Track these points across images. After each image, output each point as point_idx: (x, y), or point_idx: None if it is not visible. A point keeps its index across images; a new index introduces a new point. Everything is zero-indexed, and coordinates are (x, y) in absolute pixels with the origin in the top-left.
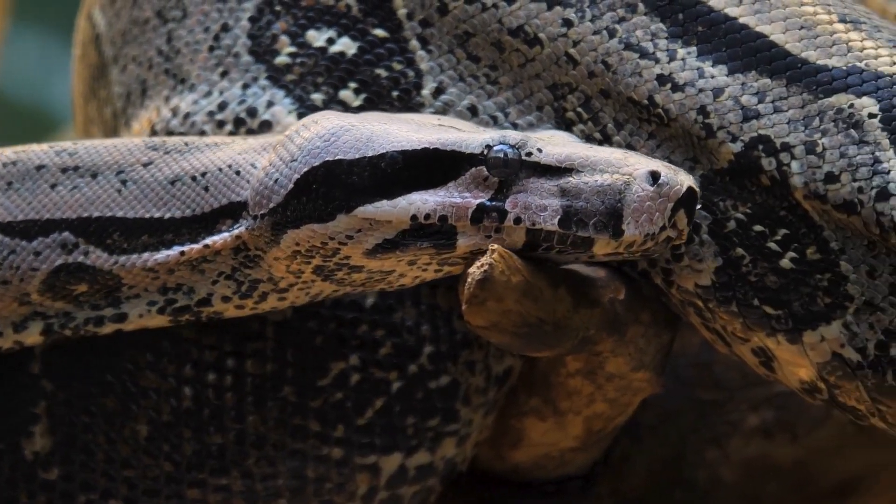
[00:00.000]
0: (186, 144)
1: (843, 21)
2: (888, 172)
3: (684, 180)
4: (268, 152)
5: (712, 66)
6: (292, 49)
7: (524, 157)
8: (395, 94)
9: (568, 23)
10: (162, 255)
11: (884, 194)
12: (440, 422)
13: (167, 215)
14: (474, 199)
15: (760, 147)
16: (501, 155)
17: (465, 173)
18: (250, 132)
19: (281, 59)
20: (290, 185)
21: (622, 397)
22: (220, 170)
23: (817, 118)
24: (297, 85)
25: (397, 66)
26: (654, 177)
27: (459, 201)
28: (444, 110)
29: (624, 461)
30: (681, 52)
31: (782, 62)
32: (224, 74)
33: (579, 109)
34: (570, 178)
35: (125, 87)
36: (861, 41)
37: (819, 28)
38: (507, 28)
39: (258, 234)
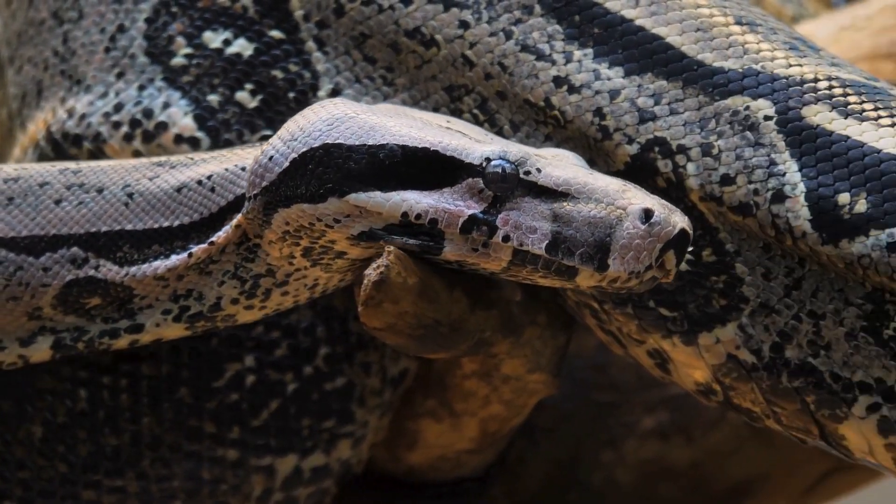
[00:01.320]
0: (192, 158)
1: (739, 23)
2: (784, 174)
3: (677, 222)
4: None
5: (609, 67)
6: (188, 50)
7: (522, 176)
8: (291, 95)
9: (464, 24)
10: (171, 260)
11: (779, 196)
12: (336, 423)
13: (176, 223)
14: (467, 209)
15: (657, 149)
16: (499, 170)
17: (461, 182)
18: (146, 133)
19: (177, 61)
20: (286, 164)
21: (518, 399)
22: (227, 169)
23: (713, 120)
24: (193, 86)
25: (294, 68)
26: (648, 215)
27: (452, 208)
28: None
29: (519, 463)
30: (577, 53)
31: (678, 64)
32: (120, 76)
33: (476, 111)
34: (565, 204)
35: (21, 88)
36: (757, 43)
37: (715, 30)
38: (403, 30)
39: (252, 217)
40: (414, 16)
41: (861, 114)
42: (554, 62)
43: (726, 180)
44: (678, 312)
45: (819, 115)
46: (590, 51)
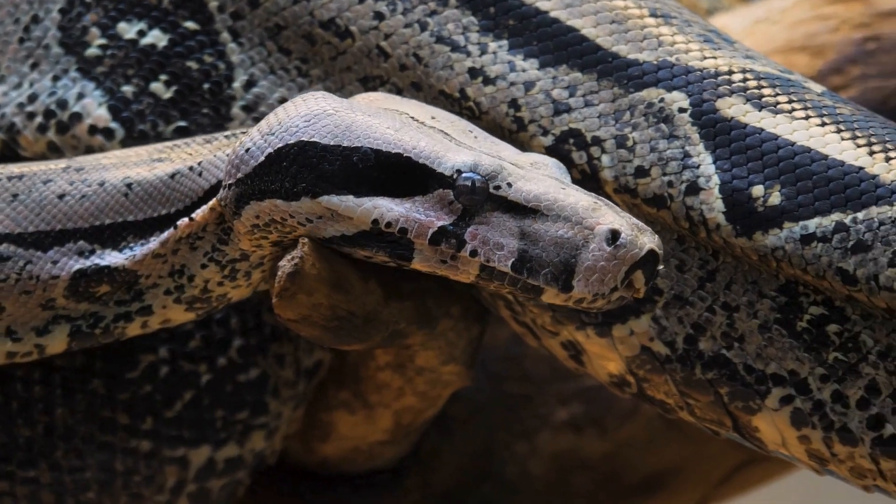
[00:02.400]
0: (191, 154)
1: (653, 15)
2: (698, 167)
3: (644, 243)
4: None
5: (524, 59)
6: (103, 41)
7: (492, 190)
8: (206, 86)
9: (379, 16)
10: (163, 236)
11: (693, 188)
12: (249, 415)
13: (172, 210)
14: (437, 221)
15: (571, 141)
16: (469, 183)
17: (432, 191)
18: (61, 124)
19: (91, 51)
20: (262, 158)
21: (432, 391)
22: (215, 156)
23: (628, 112)
24: (107, 77)
25: (208, 59)
26: (614, 237)
27: (423, 218)
28: (255, 103)
29: (433, 455)
30: (492, 45)
31: (593, 56)
32: (34, 66)
33: None
34: (533, 223)
35: None
36: (672, 36)
37: (630, 22)
38: (318, 21)
39: (225, 205)
40: (329, 7)
41: (775, 106)
42: (469, 53)
43: (640, 172)
44: None
45: (733, 108)
46: (505, 42)
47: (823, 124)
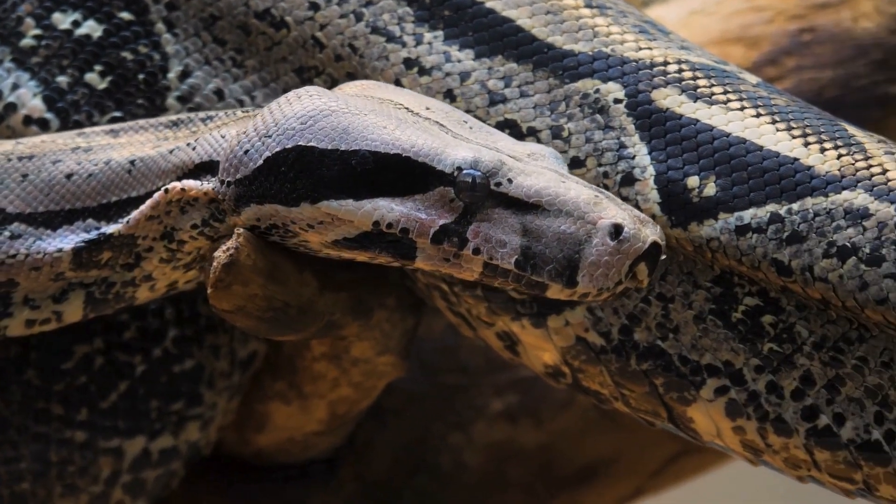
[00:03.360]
0: (194, 136)
1: (589, 6)
2: (633, 157)
3: (647, 236)
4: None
5: (459, 50)
6: (37, 31)
7: (492, 187)
8: (141, 76)
9: (315, 6)
10: (154, 198)
11: (629, 179)
12: (184, 405)
13: (168, 181)
14: (439, 219)
15: (507, 131)
16: (469, 180)
17: (433, 189)
18: None
19: (26, 42)
20: (260, 161)
21: (367, 381)
22: (211, 134)
23: (563, 103)
24: (42, 67)
25: (143, 49)
26: (617, 231)
27: (424, 217)
28: (190, 94)
29: (368, 445)
30: (428, 35)
31: (529, 47)
32: None
33: None
34: (535, 219)
35: None
36: (607, 26)
37: (565, 13)
38: (253, 11)
39: (223, 199)
40: None
41: (710, 97)
42: (404, 44)
43: (576, 163)
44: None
45: (669, 99)
46: (440, 33)
47: (759, 115)
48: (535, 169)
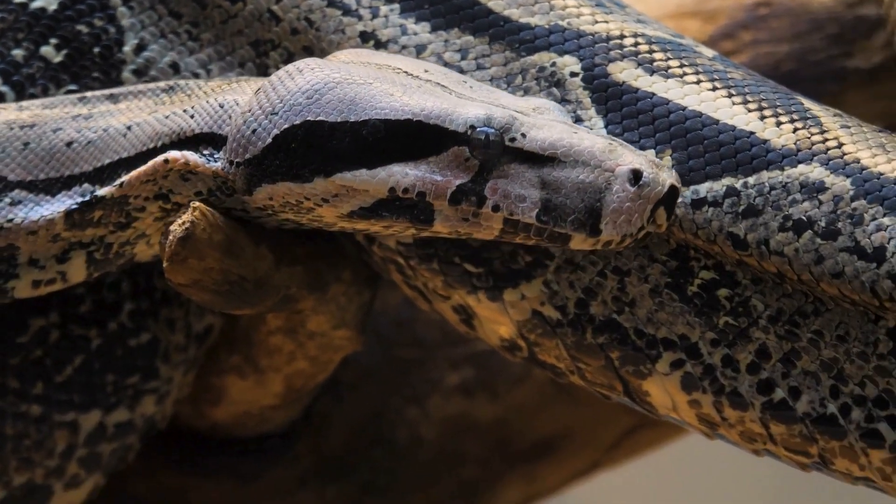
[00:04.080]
0: (188, 95)
1: None
2: (590, 130)
3: (666, 179)
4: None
5: (415, 22)
6: None
7: (507, 143)
8: (96, 50)
9: None
10: (149, 164)
11: None
12: (140, 379)
13: (160, 143)
14: (455, 180)
15: None
16: (483, 137)
17: (446, 150)
18: None
19: None
20: (269, 140)
21: (323, 355)
22: (208, 102)
23: (520, 76)
24: None
25: (98, 23)
26: (636, 176)
27: (439, 179)
28: (145, 67)
29: (324, 419)
30: (384, 8)
31: (485, 20)
32: None
33: (282, 66)
34: (552, 171)
35: None
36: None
37: None
38: None
39: (232, 179)
40: None
41: (667, 71)
42: (360, 17)
43: None
44: (484, 268)
45: (625, 72)
46: (396, 6)
47: (715, 89)
48: (546, 122)
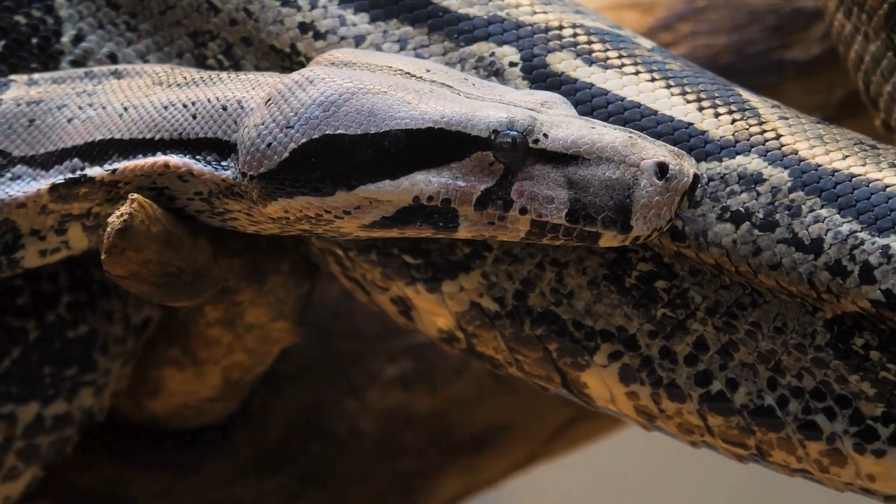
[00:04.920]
0: (185, 79)
1: None
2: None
3: (689, 169)
4: (256, 91)
5: (354, 13)
6: None
7: (531, 145)
8: (34, 41)
9: None
10: (148, 161)
11: None
12: (78, 371)
13: (157, 136)
14: (479, 185)
15: None
16: (509, 140)
17: (469, 156)
18: None
19: None
20: (286, 154)
21: (261, 347)
22: (209, 100)
23: (459, 66)
24: None
25: (36, 13)
26: (663, 169)
27: (464, 185)
28: (83, 58)
29: (262, 411)
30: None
31: (424, 10)
32: None
33: (220, 57)
34: (578, 169)
35: None
36: None
37: None
38: None
39: (246, 190)
40: None
41: (605, 62)
42: (299, 8)
43: None
44: (422, 260)
45: (563, 63)
46: None
47: (653, 80)
48: (562, 119)
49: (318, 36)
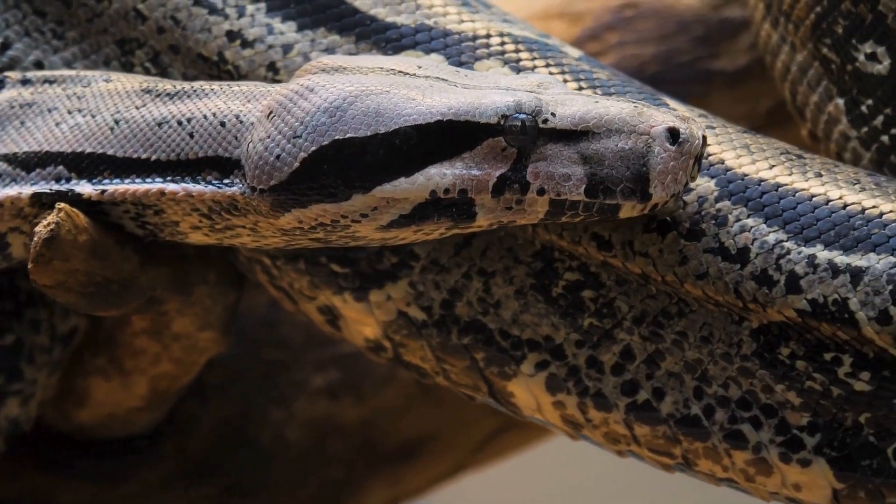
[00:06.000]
0: (175, 87)
1: None
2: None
3: (699, 132)
4: (252, 104)
5: (282, 22)
6: None
7: (541, 125)
8: None
9: None
10: (142, 188)
11: None
12: (4, 381)
13: (153, 157)
14: (494, 171)
15: None
16: (519, 124)
17: (480, 144)
18: None
19: None
20: (296, 164)
21: (188, 357)
22: (205, 117)
23: None
24: None
25: None
26: (674, 134)
27: (479, 174)
28: (10, 66)
29: (189, 421)
30: (250, 8)
31: (351, 19)
32: None
33: (147, 65)
34: (590, 144)
35: None
36: None
37: None
38: None
39: (256, 204)
40: None
41: (533, 70)
42: (227, 16)
43: None
44: (350, 269)
45: (491, 71)
46: (263, 5)
47: (581, 88)
48: (565, 97)
49: (246, 44)
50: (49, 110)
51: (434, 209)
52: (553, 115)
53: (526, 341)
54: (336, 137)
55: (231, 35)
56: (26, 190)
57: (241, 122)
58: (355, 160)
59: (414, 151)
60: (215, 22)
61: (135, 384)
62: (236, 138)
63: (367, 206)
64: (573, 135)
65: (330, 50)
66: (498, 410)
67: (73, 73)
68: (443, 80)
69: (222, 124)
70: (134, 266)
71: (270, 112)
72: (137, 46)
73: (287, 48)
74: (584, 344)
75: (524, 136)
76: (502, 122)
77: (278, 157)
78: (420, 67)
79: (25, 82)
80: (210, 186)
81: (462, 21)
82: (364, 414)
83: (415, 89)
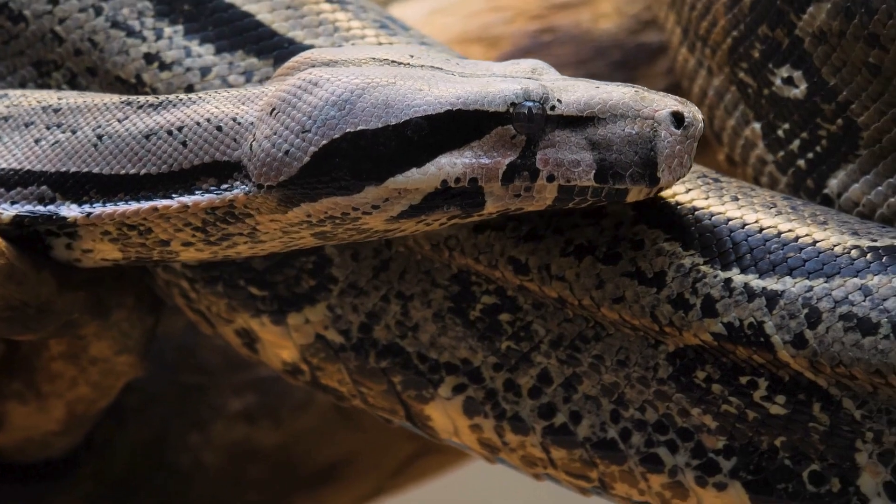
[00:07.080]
0: (158, 99)
1: (329, 1)
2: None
3: (698, 114)
4: (247, 106)
5: (200, 45)
6: None
7: (549, 112)
8: None
9: (54, 0)
10: (133, 207)
11: None
12: None
13: (142, 171)
14: (503, 159)
15: None
16: (527, 111)
17: (489, 132)
18: None
19: None
20: (307, 159)
21: (105, 381)
22: (198, 124)
23: None
24: None
25: None
26: (678, 118)
27: (488, 162)
28: None
29: (107, 444)
30: (168, 30)
31: (269, 42)
32: None
33: (64, 87)
34: (597, 130)
35: None
36: (347, 21)
37: (305, 8)
38: None
39: (262, 202)
40: None
41: None
42: (144, 39)
43: None
44: (268, 292)
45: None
46: (180, 27)
47: None
48: (566, 83)
49: (164, 67)
50: (26, 125)
51: (444, 198)
52: (559, 101)
53: (444, 364)
54: (347, 130)
55: (149, 57)
56: (8, 211)
57: (238, 123)
58: (367, 152)
59: (425, 142)
60: (133, 44)
61: (52, 408)
62: (235, 140)
63: (378, 197)
64: (579, 121)
65: (248, 73)
66: (416, 434)
67: (48, 91)
68: (438, 68)
69: (219, 128)
70: (51, 290)
71: (273, 109)
72: (55, 68)
73: (205, 71)
74: (502, 367)
75: (533, 123)
76: (511, 110)
77: (287, 152)
78: (412, 56)
79: (2, 97)
80: (207, 195)
81: (380, 44)
82: (282, 438)
83: (419, 79)
